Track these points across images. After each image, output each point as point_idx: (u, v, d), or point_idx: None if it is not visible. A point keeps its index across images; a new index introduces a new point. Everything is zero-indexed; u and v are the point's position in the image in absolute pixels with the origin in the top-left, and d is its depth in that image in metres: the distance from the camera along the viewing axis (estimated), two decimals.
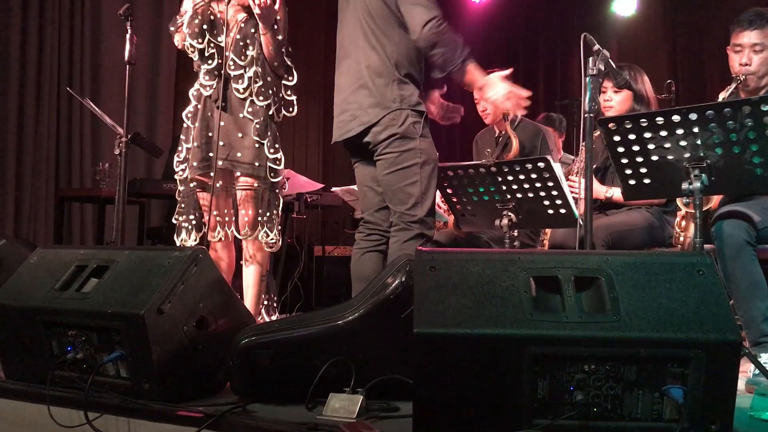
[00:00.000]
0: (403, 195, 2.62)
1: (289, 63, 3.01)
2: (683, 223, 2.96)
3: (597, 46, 2.48)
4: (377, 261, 2.75)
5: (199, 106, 2.97)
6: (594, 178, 3.13)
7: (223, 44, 2.88)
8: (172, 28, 2.97)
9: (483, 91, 2.61)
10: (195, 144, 2.94)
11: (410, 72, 2.68)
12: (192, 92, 3.01)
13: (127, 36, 3.05)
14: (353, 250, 2.82)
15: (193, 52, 2.93)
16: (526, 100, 2.62)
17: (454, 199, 3.17)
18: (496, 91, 2.58)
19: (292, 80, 3.03)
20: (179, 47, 2.99)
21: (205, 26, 2.88)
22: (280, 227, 2.99)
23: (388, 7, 2.64)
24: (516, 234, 3.12)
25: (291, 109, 3.06)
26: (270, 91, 2.93)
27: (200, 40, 2.89)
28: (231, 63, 2.90)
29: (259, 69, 2.91)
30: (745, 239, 2.54)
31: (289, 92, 3.04)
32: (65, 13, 6.22)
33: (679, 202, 2.92)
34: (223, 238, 3.00)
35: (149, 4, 6.08)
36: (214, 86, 2.92)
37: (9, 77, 6.05)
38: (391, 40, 2.65)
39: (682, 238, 2.97)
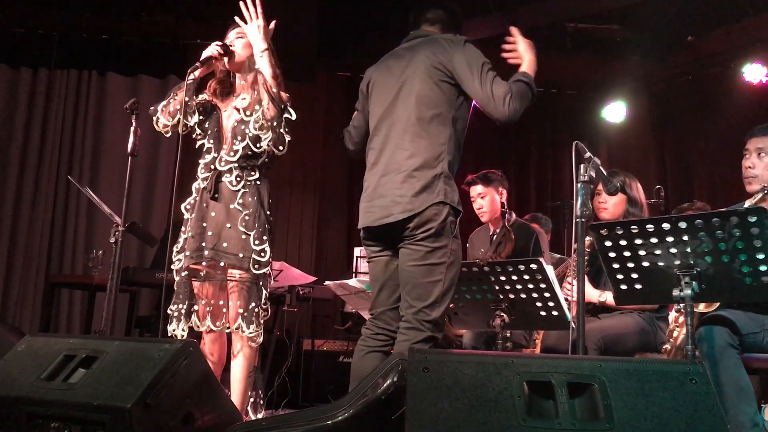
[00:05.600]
0: (424, 291, 2.54)
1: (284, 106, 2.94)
2: (676, 330, 2.96)
3: (588, 154, 2.55)
4: (380, 362, 2.66)
5: (197, 198, 3.02)
6: (587, 282, 3.15)
7: (190, 125, 2.98)
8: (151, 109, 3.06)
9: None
10: (190, 234, 2.97)
11: (454, 169, 2.67)
12: (194, 186, 3.07)
13: (132, 129, 3.09)
14: (358, 346, 2.72)
15: (167, 131, 3.04)
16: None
17: None
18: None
19: (291, 116, 2.93)
20: (158, 128, 3.06)
21: (178, 107, 2.96)
22: (262, 321, 2.95)
23: (445, 99, 2.69)
24: (510, 334, 3.11)
25: (282, 148, 2.94)
26: (258, 184, 2.98)
27: (171, 119, 2.99)
28: (223, 157, 2.97)
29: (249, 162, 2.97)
30: (728, 341, 2.53)
31: (287, 128, 2.93)
32: (70, 102, 6.40)
33: None
34: (213, 329, 2.97)
35: (153, 95, 6.23)
36: (208, 178, 2.98)
37: (10, 161, 6.17)
38: (443, 135, 2.65)
39: (673, 338, 2.95)
